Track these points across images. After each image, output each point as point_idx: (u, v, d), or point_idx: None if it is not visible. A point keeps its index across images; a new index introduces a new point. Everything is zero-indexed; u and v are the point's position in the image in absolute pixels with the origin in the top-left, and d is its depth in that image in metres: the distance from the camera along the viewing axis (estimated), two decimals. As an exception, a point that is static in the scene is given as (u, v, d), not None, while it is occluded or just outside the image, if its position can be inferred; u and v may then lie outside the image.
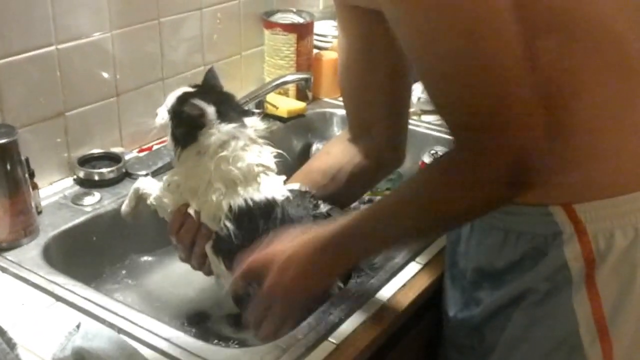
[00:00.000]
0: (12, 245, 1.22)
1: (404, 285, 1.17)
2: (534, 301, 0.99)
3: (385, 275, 1.18)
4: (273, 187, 1.15)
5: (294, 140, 1.78)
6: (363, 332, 1.06)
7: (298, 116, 1.79)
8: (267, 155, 1.18)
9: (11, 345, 0.96)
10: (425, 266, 1.22)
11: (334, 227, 1.00)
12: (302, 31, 1.82)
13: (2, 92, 1.30)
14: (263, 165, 1.16)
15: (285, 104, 1.79)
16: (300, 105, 1.81)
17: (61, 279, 1.15)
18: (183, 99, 1.17)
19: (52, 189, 1.41)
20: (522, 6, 0.86)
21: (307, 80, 1.75)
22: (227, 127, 1.13)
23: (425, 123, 1.76)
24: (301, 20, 1.85)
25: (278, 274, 1.00)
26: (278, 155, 1.19)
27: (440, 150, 1.62)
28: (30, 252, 1.22)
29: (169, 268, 1.40)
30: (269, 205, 1.13)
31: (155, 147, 1.57)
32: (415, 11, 0.83)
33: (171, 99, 1.19)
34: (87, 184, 1.42)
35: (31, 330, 1.04)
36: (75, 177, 1.44)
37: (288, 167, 1.25)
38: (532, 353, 1.01)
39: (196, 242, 1.16)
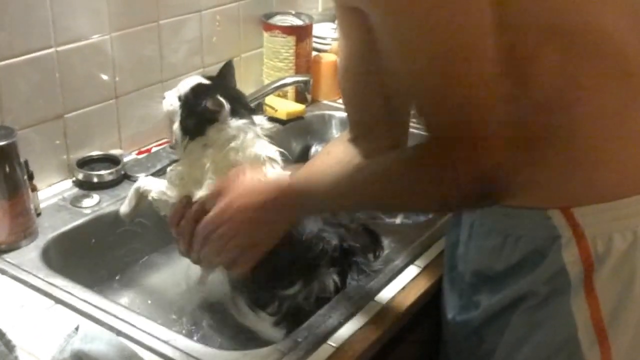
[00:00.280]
0: (11, 247, 1.22)
1: (403, 288, 1.17)
2: (533, 305, 0.99)
3: (384, 278, 1.18)
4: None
5: (293, 142, 1.78)
6: (362, 335, 1.07)
7: (297, 118, 1.79)
8: (272, 149, 1.19)
9: (10, 347, 0.96)
10: (425, 269, 1.22)
11: (295, 181, 1.07)
12: (301, 33, 1.82)
13: (1, 94, 1.30)
14: (269, 157, 1.17)
15: (284, 106, 1.79)
16: (299, 107, 1.81)
17: (60, 281, 1.15)
18: (198, 91, 1.17)
19: (51, 190, 1.41)
20: (521, 14, 0.86)
21: (306, 82, 1.75)
22: (237, 123, 1.14)
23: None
24: (300, 23, 1.85)
25: (229, 203, 1.07)
26: (281, 154, 1.21)
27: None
28: (29, 254, 1.22)
29: (168, 270, 1.40)
30: None
31: (154, 150, 1.57)
32: (396, 21, 0.84)
33: (184, 87, 1.19)
34: (86, 186, 1.42)
35: (30, 332, 1.04)
36: (74, 179, 1.44)
37: (287, 168, 1.24)
38: (531, 356, 1.01)
39: None
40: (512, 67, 0.91)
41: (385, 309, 1.12)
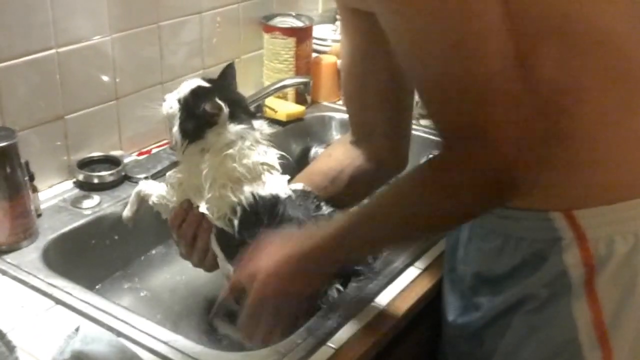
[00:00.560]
0: (12, 248, 1.22)
1: (403, 290, 1.17)
2: (534, 307, 0.99)
3: (384, 280, 1.18)
4: (277, 185, 1.16)
5: (293, 144, 1.78)
6: (362, 337, 1.07)
7: (297, 120, 1.79)
8: (271, 155, 1.19)
9: (10, 348, 0.96)
10: (425, 271, 1.22)
11: (318, 234, 1.00)
12: (301, 35, 1.83)
13: (2, 95, 1.30)
14: (267, 164, 1.17)
15: (284, 108, 1.79)
16: (299, 109, 1.81)
17: (60, 282, 1.15)
18: (197, 93, 1.17)
19: (52, 192, 1.41)
20: (522, 13, 0.86)
21: (306, 84, 1.75)
22: (236, 128, 1.14)
23: (424, 127, 1.76)
24: (300, 24, 1.86)
25: (261, 288, 1.01)
26: (281, 158, 1.20)
27: (438, 154, 1.62)
28: (30, 255, 1.22)
29: (168, 271, 1.40)
30: (273, 201, 1.14)
31: (154, 151, 1.57)
32: (406, 18, 0.84)
33: (184, 89, 1.19)
34: (87, 187, 1.42)
35: (30, 333, 1.04)
36: (74, 180, 1.44)
37: (288, 170, 1.25)
38: (531, 359, 1.01)
39: (198, 236, 1.16)
40: (511, 67, 0.91)
41: (385, 311, 1.12)
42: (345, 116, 1.32)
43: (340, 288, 1.16)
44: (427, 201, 0.91)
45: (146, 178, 1.44)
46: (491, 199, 0.89)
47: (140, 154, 1.56)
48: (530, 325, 1.00)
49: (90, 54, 1.43)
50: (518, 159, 0.84)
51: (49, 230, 1.29)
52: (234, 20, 1.76)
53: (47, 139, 1.40)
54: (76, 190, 1.42)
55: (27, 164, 1.25)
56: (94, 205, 1.38)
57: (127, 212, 1.26)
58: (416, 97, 1.69)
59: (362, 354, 1.04)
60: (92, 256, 1.34)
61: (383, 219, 0.96)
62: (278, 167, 1.19)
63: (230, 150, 1.13)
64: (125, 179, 1.46)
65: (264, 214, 1.13)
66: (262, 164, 1.16)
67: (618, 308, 0.95)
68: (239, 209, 1.12)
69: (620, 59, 0.93)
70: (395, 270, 1.20)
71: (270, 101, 1.78)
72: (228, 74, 1.24)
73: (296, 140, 1.79)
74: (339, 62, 1.80)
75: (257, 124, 1.18)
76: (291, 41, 1.81)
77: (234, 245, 1.13)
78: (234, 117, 1.15)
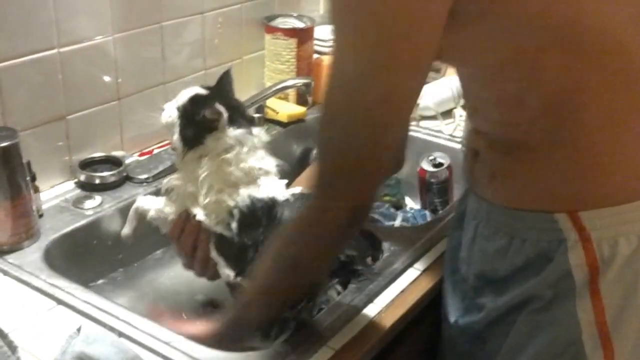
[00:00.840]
0: (14, 248, 1.23)
1: (402, 291, 1.18)
2: (538, 308, 0.99)
3: (384, 281, 1.18)
4: (274, 188, 1.17)
5: (294, 145, 1.78)
6: (362, 338, 1.07)
7: (298, 121, 1.80)
8: (268, 161, 1.19)
9: (12, 348, 0.96)
10: (424, 272, 1.23)
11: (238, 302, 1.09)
12: (303, 36, 1.83)
13: (4, 95, 1.30)
14: (264, 169, 1.17)
15: (286, 109, 1.79)
16: (300, 110, 1.81)
17: (62, 282, 1.15)
18: (196, 101, 1.17)
19: (53, 192, 1.41)
20: (526, 19, 0.86)
21: (307, 85, 1.75)
22: (235, 132, 1.15)
23: (424, 129, 1.77)
24: (302, 25, 1.86)
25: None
26: (278, 164, 1.21)
27: (438, 155, 1.62)
28: (32, 255, 1.22)
29: (170, 272, 1.41)
30: (270, 204, 1.14)
31: (156, 151, 1.57)
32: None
33: (182, 97, 1.19)
34: (88, 188, 1.42)
35: (32, 333, 1.05)
36: (76, 180, 1.44)
37: (287, 172, 1.25)
38: (534, 359, 1.01)
39: (198, 246, 1.17)
40: (516, 70, 0.91)
41: (385, 312, 1.13)
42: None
43: (340, 289, 1.16)
44: (296, 251, 0.98)
45: (147, 178, 1.45)
46: (346, 234, 0.97)
47: (142, 154, 1.56)
48: (535, 325, 1.00)
49: (93, 54, 1.43)
50: (373, 196, 0.96)
51: (51, 231, 1.29)
52: (236, 21, 1.76)
53: (49, 139, 1.40)
54: (78, 191, 1.43)
55: (28, 164, 1.26)
56: (95, 205, 1.38)
57: (125, 230, 1.26)
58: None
59: (362, 355, 1.04)
60: (94, 256, 1.34)
61: (273, 280, 1.02)
62: (275, 172, 1.20)
63: (228, 155, 1.14)
64: (127, 179, 1.46)
65: (262, 216, 1.13)
66: (259, 169, 1.17)
67: (621, 309, 0.95)
68: (236, 211, 1.13)
69: (625, 63, 0.93)
70: (395, 272, 1.21)
71: (271, 102, 1.78)
72: (225, 80, 1.24)
73: (297, 142, 1.79)
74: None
75: (256, 130, 1.19)
76: (293, 42, 1.81)
77: (234, 250, 1.13)
78: (232, 122, 1.15)
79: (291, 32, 1.81)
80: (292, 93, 1.84)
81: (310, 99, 1.83)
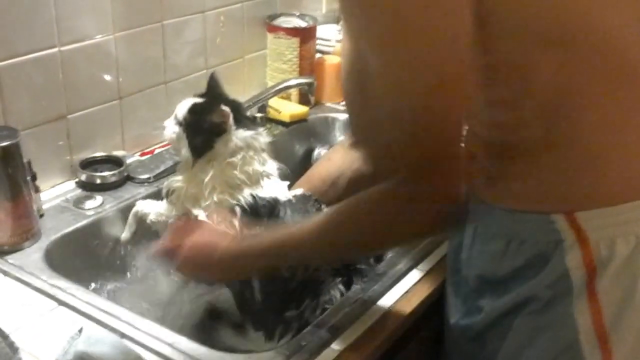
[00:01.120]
0: (14, 248, 1.22)
1: (406, 293, 1.17)
2: (536, 309, 0.99)
3: (387, 282, 1.18)
4: (276, 189, 1.17)
5: (296, 144, 1.78)
6: (366, 339, 1.07)
7: (300, 121, 1.79)
8: (271, 165, 1.21)
9: (13, 349, 0.96)
10: (428, 273, 1.22)
11: (265, 240, 1.05)
12: (305, 35, 1.82)
13: (4, 94, 1.29)
14: (266, 172, 1.18)
15: (288, 109, 1.79)
16: (302, 109, 1.80)
17: (63, 282, 1.15)
18: (196, 110, 1.18)
19: (54, 192, 1.41)
20: (521, 18, 0.86)
21: (310, 84, 1.75)
22: (244, 134, 1.15)
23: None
24: (304, 24, 1.85)
25: (179, 264, 1.11)
26: (279, 167, 1.23)
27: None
28: (32, 255, 1.22)
29: (171, 272, 1.40)
30: (272, 203, 1.14)
31: (157, 151, 1.57)
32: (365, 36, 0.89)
33: (181, 111, 1.20)
34: (89, 188, 1.42)
35: (33, 334, 1.04)
36: (77, 180, 1.44)
37: (289, 172, 1.25)
38: (533, 360, 1.01)
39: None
40: (511, 73, 0.91)
41: (389, 313, 1.12)
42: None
43: (343, 289, 1.16)
44: (373, 227, 0.99)
45: (148, 179, 1.44)
46: (431, 229, 1.01)
47: (143, 154, 1.56)
48: (533, 326, 1.00)
49: (94, 52, 1.43)
50: (460, 194, 0.96)
51: (52, 231, 1.29)
52: (238, 20, 1.76)
53: (50, 139, 1.40)
54: (78, 191, 1.42)
55: (29, 163, 1.25)
56: (96, 205, 1.37)
57: (125, 234, 1.27)
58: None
59: (366, 356, 1.04)
60: (95, 256, 1.34)
61: (331, 240, 1.01)
62: (277, 175, 1.21)
63: (233, 159, 1.14)
64: (128, 179, 1.46)
65: (264, 215, 1.13)
66: (262, 172, 1.18)
67: (618, 310, 0.95)
68: (238, 209, 1.13)
69: (623, 64, 0.93)
70: (398, 273, 1.20)
71: (273, 102, 1.78)
72: (214, 84, 1.25)
73: (299, 141, 1.78)
74: (342, 61, 1.79)
75: (260, 130, 1.20)
76: (295, 41, 1.80)
77: None
78: (237, 122, 1.16)
79: (293, 32, 1.81)
80: (294, 93, 1.83)
81: (312, 99, 1.84)
